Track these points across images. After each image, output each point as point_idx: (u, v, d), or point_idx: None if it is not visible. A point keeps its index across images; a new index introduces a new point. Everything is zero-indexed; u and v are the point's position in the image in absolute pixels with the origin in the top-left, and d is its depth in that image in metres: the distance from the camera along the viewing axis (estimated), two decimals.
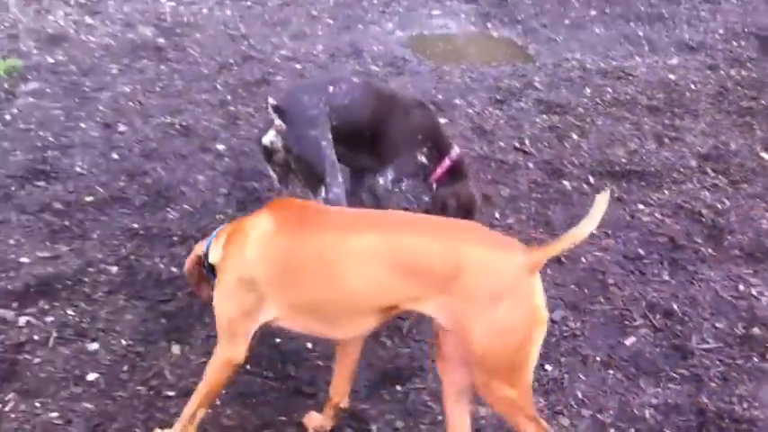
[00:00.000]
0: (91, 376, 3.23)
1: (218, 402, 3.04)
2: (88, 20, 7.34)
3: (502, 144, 5.20)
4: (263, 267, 2.52)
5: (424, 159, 3.88)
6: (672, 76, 6.35)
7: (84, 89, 5.90)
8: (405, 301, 2.41)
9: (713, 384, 3.29)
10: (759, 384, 3.29)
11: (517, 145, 5.19)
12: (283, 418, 3.05)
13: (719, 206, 4.56)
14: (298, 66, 6.40)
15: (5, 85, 5.87)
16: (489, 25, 7.63)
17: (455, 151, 3.96)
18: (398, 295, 2.40)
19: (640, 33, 7.36)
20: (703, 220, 4.42)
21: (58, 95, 5.77)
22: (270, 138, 3.54)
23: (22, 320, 3.53)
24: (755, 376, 3.34)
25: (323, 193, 3.46)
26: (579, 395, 3.23)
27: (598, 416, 3.13)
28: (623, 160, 5.03)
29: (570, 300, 3.77)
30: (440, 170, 3.92)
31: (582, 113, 5.68)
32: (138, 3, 7.85)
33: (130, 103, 5.68)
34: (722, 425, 3.08)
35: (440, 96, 5.90)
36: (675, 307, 3.74)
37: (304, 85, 4.94)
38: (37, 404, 3.09)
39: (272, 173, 3.75)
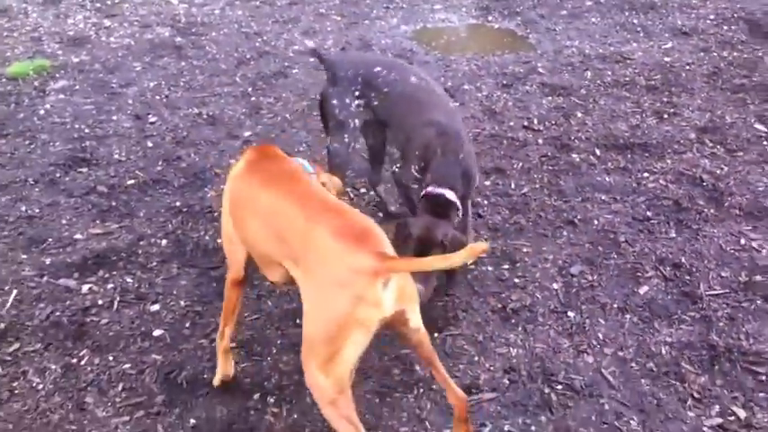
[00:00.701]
0: (156, 332, 3.54)
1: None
2: (106, 22, 7.66)
3: (512, 124, 5.53)
4: (229, 201, 2.97)
5: (417, 174, 3.81)
6: (667, 59, 6.69)
7: (111, 85, 6.21)
8: (283, 261, 2.70)
9: (721, 324, 3.61)
10: (763, 323, 3.61)
11: (526, 124, 5.52)
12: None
13: (718, 172, 4.88)
14: (311, 59, 6.71)
15: (35, 84, 6.19)
16: (490, 18, 7.96)
17: (439, 189, 3.63)
18: (277, 255, 2.72)
19: (635, 21, 7.70)
20: (704, 184, 4.74)
21: (88, 91, 6.09)
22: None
23: (85, 288, 3.85)
24: (759, 316, 3.66)
25: (328, 143, 4.05)
26: (600, 336, 3.55)
27: (619, 353, 3.45)
28: (626, 134, 5.36)
29: (586, 256, 4.09)
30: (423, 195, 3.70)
31: (584, 94, 6.01)
32: (152, 5, 8.17)
33: (157, 97, 5.99)
34: (732, 357, 3.40)
35: (449, 83, 6.22)
36: (683, 260, 4.05)
37: (356, 55, 5.43)
38: (110, 357, 3.40)
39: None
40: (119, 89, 6.14)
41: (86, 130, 5.46)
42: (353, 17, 7.90)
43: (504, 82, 6.25)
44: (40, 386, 3.25)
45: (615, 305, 3.75)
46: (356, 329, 2.38)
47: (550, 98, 5.97)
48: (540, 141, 5.30)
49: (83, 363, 3.38)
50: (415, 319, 2.57)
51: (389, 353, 3.42)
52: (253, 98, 6.00)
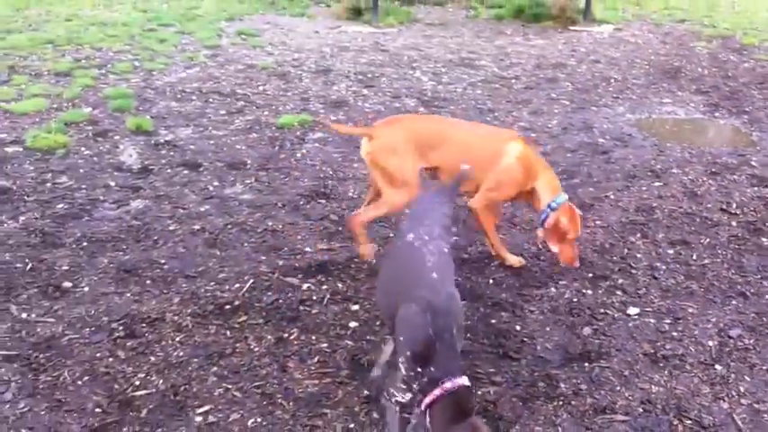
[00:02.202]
0: (352, 324, 4.31)
1: None
2: (364, 91, 8.85)
3: (709, 206, 5.83)
4: None
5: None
6: None
7: (357, 141, 7.25)
8: None
9: None
10: None
11: (724, 207, 5.80)
12: (492, 370, 3.93)
13: None
14: (533, 134, 7.40)
15: (298, 133, 7.39)
16: (716, 114, 8.23)
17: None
18: None
19: None
20: None
21: (338, 143, 7.17)
22: None
23: (305, 286, 4.72)
24: None
25: None
26: (741, 389, 3.82)
27: (755, 405, 3.71)
28: None
29: (749, 324, 4.36)
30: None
31: None
32: (405, 80, 9.31)
33: None
34: None
35: (658, 166, 6.62)
36: None
37: None
38: (312, 337, 4.20)
39: None
40: None
41: (330, 172, 6.49)
42: (582, 103, 8.51)
43: (714, 170, 6.54)
44: (256, 349, 4.10)
45: (765, 367, 3.99)
46: None
47: (756, 188, 6.18)
48: (734, 224, 5.56)
49: (292, 338, 4.20)
50: None
51: (538, 369, 3.92)
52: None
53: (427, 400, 2.78)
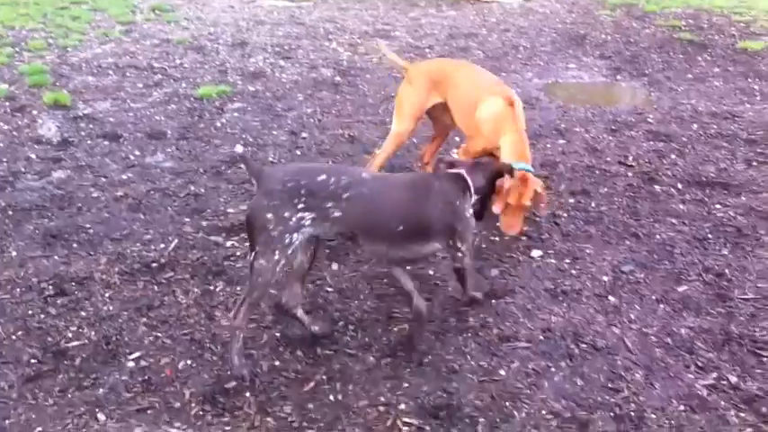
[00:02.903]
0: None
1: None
2: (281, 62, 9.03)
3: (608, 159, 6.25)
4: None
5: None
6: None
7: (276, 109, 7.46)
8: None
9: (742, 319, 4.18)
10: None
11: (621, 160, 6.22)
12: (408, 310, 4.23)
13: None
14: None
15: (217, 103, 7.54)
16: (618, 77, 8.70)
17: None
18: None
19: (755, 87, 8.20)
20: None
21: (257, 112, 7.36)
22: None
23: (229, 243, 4.93)
24: None
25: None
26: (632, 317, 4.21)
27: (644, 329, 4.10)
28: (712, 175, 5.95)
29: (640, 261, 4.76)
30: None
31: (684, 142, 6.63)
32: (322, 51, 9.51)
33: (311, 120, 7.17)
34: (742, 342, 3.97)
35: (562, 125, 7.02)
36: (727, 271, 4.64)
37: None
38: (238, 288, 4.42)
39: None
40: (282, 112, 7.37)
41: (250, 139, 6.68)
42: (492, 69, 8.80)
43: (613, 127, 6.97)
44: (183, 301, 4.30)
45: (653, 297, 4.39)
46: None
47: (652, 143, 6.63)
48: (630, 174, 5.98)
49: (218, 290, 4.42)
50: None
51: (450, 307, 4.24)
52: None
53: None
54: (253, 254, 3.52)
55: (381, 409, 3.48)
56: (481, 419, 3.41)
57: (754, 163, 6.17)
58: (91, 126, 6.88)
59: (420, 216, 3.67)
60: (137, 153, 6.31)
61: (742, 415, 3.48)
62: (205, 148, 6.48)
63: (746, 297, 4.39)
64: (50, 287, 4.36)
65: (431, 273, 4.61)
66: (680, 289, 4.47)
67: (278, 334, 4.02)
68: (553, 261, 4.77)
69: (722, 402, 3.55)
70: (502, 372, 3.75)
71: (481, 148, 5.00)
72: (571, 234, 5.08)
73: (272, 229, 3.41)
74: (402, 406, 3.49)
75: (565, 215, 5.32)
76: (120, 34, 10.12)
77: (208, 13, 11.67)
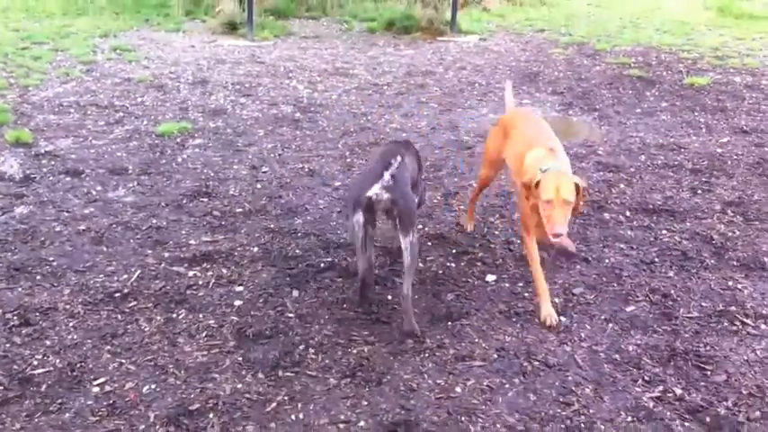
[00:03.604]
0: (237, 303, 4.66)
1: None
2: (242, 100, 9.19)
3: None
4: None
5: None
6: (719, 150, 7.49)
7: (237, 145, 7.60)
8: None
9: (687, 335, 4.38)
10: (723, 338, 4.35)
11: None
12: (367, 332, 4.35)
13: (730, 234, 5.64)
14: (404, 134, 7.93)
15: (178, 140, 7.65)
16: (570, 112, 8.99)
17: None
18: None
19: (701, 120, 8.54)
20: (713, 242, 5.51)
21: (218, 148, 7.49)
22: (375, 191, 4.18)
23: (191, 273, 5.03)
24: (721, 333, 4.40)
25: (411, 236, 4.22)
26: (582, 335, 4.39)
27: (593, 347, 4.27)
28: (658, 202, 6.19)
29: (590, 283, 4.95)
30: None
31: (633, 172, 6.90)
32: (282, 89, 9.70)
33: (272, 155, 7.32)
34: (687, 357, 4.16)
35: None
36: (672, 292, 4.84)
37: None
38: (200, 316, 4.52)
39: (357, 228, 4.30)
40: (242, 148, 7.51)
41: (211, 174, 6.79)
42: (449, 105, 9.12)
43: None
44: (147, 329, 4.38)
45: (602, 317, 4.58)
46: None
47: (601, 173, 6.88)
48: (581, 203, 6.18)
49: (180, 317, 4.51)
50: None
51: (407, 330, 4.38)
52: (348, 159, 7.22)
53: None
54: (410, 235, 4.21)
55: (341, 426, 3.59)
56: None
57: (699, 191, 6.44)
58: (53, 163, 6.95)
59: None
60: (99, 188, 6.39)
61: (687, 424, 3.64)
62: (166, 182, 6.58)
63: (691, 316, 4.59)
64: (15, 317, 4.42)
65: (389, 298, 4.74)
66: (628, 309, 4.66)
67: (240, 358, 4.11)
68: (507, 285, 4.93)
69: (668, 413, 3.72)
70: (458, 389, 3.88)
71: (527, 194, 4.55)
72: (524, 259, 5.25)
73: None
74: (361, 423, 3.61)
75: (518, 242, 5.50)
76: (82, 73, 10.21)
77: (169, 52, 11.82)
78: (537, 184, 4.32)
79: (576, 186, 4.32)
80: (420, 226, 5.63)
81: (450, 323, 4.49)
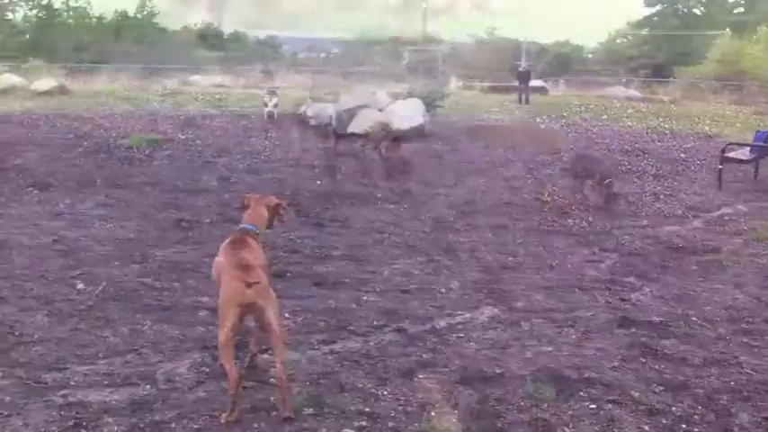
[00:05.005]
0: (201, 314, 4.68)
1: None
2: (212, 111, 9.24)
3: (525, 196, 6.56)
4: None
5: None
6: (683, 155, 7.63)
7: (206, 156, 7.65)
8: None
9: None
10: None
11: (538, 196, 6.54)
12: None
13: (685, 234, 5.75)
14: None
15: (146, 151, 7.69)
16: (538, 119, 9.13)
17: None
18: None
19: (666, 126, 8.70)
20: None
21: (186, 159, 7.53)
22: None
23: (157, 284, 5.04)
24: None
25: None
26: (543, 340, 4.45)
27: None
28: (622, 207, 6.30)
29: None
30: None
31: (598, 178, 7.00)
32: (252, 102, 9.74)
33: (240, 165, 7.36)
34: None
35: (483, 166, 7.35)
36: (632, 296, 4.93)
37: None
38: (164, 326, 4.54)
39: None
40: (211, 159, 7.56)
41: (180, 185, 6.83)
42: None
43: (531, 166, 7.32)
44: (112, 339, 4.40)
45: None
46: None
47: (567, 180, 6.99)
48: (546, 209, 6.30)
49: (144, 328, 4.53)
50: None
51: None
52: (317, 168, 7.28)
53: None
54: None
55: None
56: None
57: (662, 196, 6.56)
58: (21, 177, 6.95)
59: None
60: (67, 201, 6.40)
61: None
62: (134, 195, 6.60)
63: (651, 321, 4.66)
64: None
65: (353, 306, 4.79)
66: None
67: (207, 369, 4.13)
68: (471, 291, 4.99)
69: None
70: None
71: None
72: (488, 266, 5.33)
73: None
74: None
75: (483, 247, 5.57)
76: None
77: None
78: None
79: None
80: None
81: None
